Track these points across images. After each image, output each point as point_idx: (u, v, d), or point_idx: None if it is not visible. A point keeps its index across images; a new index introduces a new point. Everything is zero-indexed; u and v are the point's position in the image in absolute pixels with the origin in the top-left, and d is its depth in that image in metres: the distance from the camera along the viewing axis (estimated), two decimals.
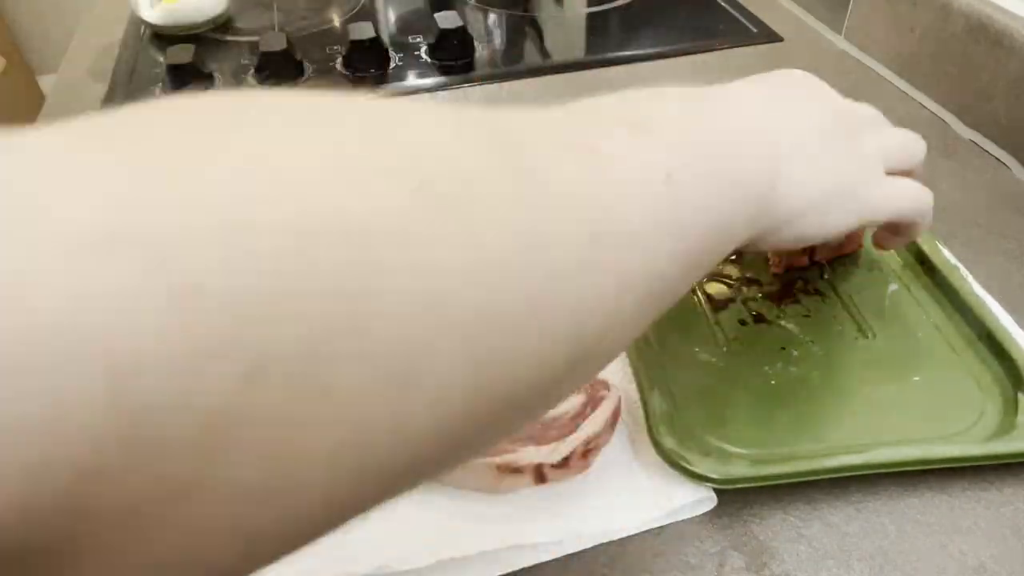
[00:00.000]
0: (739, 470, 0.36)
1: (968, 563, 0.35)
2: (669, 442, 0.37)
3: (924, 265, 0.49)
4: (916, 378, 0.42)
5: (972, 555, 0.36)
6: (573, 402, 0.40)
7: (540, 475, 0.37)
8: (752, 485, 0.37)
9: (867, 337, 0.45)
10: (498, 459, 0.37)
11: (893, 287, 0.48)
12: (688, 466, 0.36)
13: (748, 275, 0.49)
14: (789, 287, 0.48)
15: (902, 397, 0.41)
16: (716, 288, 0.48)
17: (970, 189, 0.58)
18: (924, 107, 0.68)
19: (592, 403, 0.39)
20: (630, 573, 0.35)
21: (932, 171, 0.59)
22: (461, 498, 0.38)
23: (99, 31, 0.82)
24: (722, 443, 0.39)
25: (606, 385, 0.41)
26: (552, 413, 0.39)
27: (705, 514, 0.37)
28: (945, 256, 0.48)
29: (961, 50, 0.63)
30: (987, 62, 0.61)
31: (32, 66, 2.08)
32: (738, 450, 0.38)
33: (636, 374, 0.41)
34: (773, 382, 0.42)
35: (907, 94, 0.70)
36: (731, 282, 0.48)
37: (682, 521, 0.37)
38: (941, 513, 0.37)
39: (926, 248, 0.49)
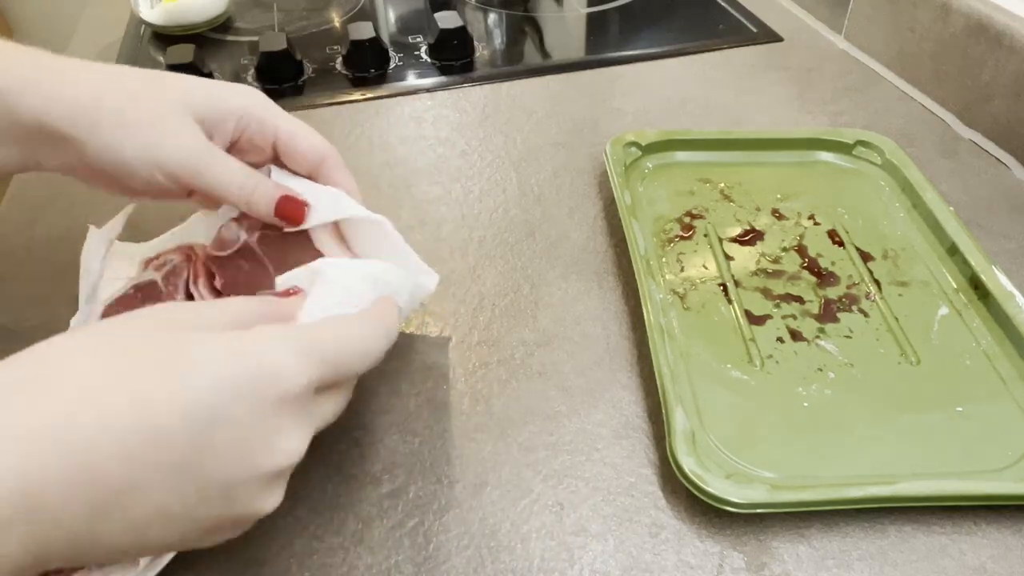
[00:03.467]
0: (759, 494, 0.35)
1: (968, 563, 0.35)
2: (689, 463, 0.36)
3: (978, 290, 0.47)
4: (960, 408, 0.41)
5: (972, 555, 0.36)
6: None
7: None
8: (772, 511, 0.36)
9: (911, 362, 0.43)
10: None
11: (943, 311, 0.46)
12: (705, 487, 0.35)
13: (790, 291, 0.48)
14: (831, 305, 0.47)
15: (942, 428, 0.40)
16: (755, 302, 0.47)
17: (970, 189, 0.58)
18: (924, 107, 0.68)
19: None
20: (629, 573, 0.35)
21: (932, 171, 0.59)
22: None
23: (99, 31, 0.82)
24: (745, 465, 0.38)
25: None
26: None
27: (705, 515, 0.37)
28: (1001, 282, 0.46)
29: (961, 50, 0.63)
30: (987, 62, 0.61)
31: None
32: (761, 473, 0.37)
33: (662, 390, 0.40)
34: (806, 404, 0.41)
35: (907, 94, 0.70)
36: (772, 297, 0.48)
37: (682, 521, 0.37)
38: (941, 513, 0.37)
39: (981, 272, 0.47)
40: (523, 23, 0.85)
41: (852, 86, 0.71)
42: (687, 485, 0.36)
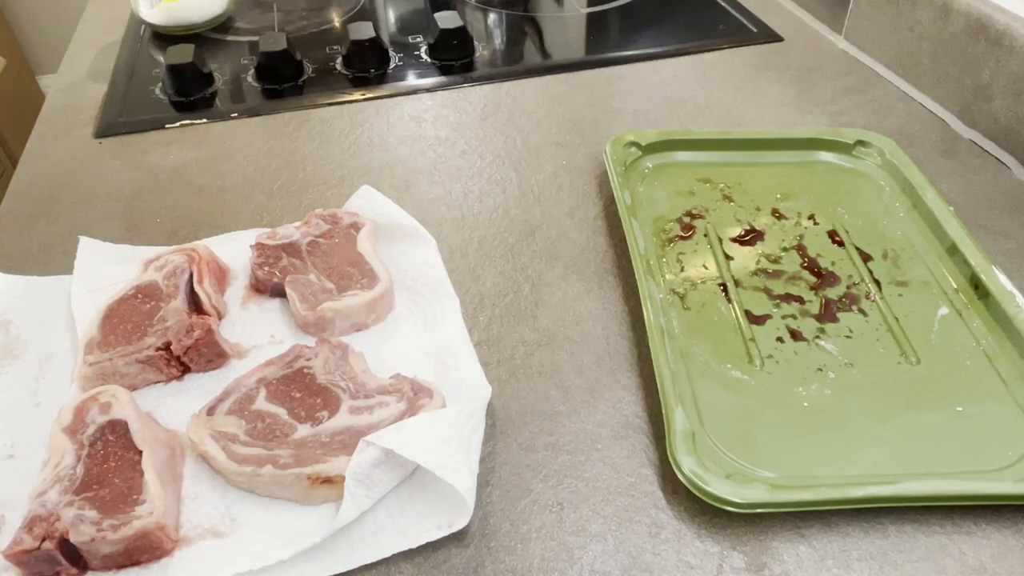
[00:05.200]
0: (759, 494, 0.35)
1: (968, 563, 0.35)
2: (688, 463, 0.36)
3: (978, 290, 0.47)
4: (959, 408, 0.41)
5: (972, 555, 0.36)
6: (393, 410, 0.39)
7: None
8: (772, 511, 0.36)
9: (910, 362, 0.43)
10: (308, 469, 0.35)
11: (944, 311, 0.46)
12: (705, 487, 0.36)
13: (790, 291, 0.48)
14: (831, 305, 0.47)
15: (942, 428, 0.40)
16: (755, 302, 0.47)
17: (970, 189, 0.58)
18: (924, 107, 0.68)
19: (412, 411, 0.38)
20: (629, 573, 0.35)
21: (932, 171, 0.59)
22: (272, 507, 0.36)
23: (99, 31, 0.82)
24: (745, 465, 0.38)
25: (430, 393, 0.39)
26: (369, 420, 0.38)
27: (705, 515, 0.37)
28: (1001, 282, 0.46)
29: (961, 50, 0.63)
30: (987, 62, 0.61)
31: (32, 66, 2.08)
32: (761, 473, 0.37)
33: (662, 390, 0.40)
34: (806, 404, 0.41)
35: (907, 94, 0.70)
36: (772, 297, 0.47)
37: (682, 521, 0.37)
38: (941, 513, 0.37)
39: (981, 272, 0.47)
40: (523, 23, 0.85)
41: (852, 86, 0.71)
42: (687, 485, 0.36)
